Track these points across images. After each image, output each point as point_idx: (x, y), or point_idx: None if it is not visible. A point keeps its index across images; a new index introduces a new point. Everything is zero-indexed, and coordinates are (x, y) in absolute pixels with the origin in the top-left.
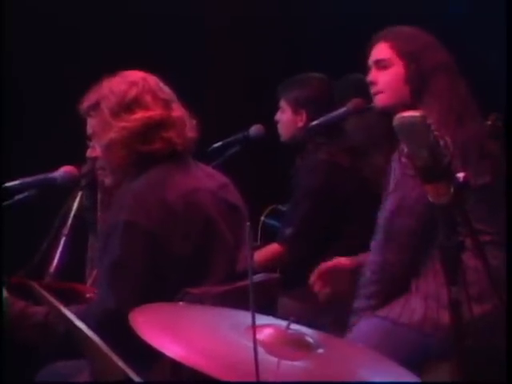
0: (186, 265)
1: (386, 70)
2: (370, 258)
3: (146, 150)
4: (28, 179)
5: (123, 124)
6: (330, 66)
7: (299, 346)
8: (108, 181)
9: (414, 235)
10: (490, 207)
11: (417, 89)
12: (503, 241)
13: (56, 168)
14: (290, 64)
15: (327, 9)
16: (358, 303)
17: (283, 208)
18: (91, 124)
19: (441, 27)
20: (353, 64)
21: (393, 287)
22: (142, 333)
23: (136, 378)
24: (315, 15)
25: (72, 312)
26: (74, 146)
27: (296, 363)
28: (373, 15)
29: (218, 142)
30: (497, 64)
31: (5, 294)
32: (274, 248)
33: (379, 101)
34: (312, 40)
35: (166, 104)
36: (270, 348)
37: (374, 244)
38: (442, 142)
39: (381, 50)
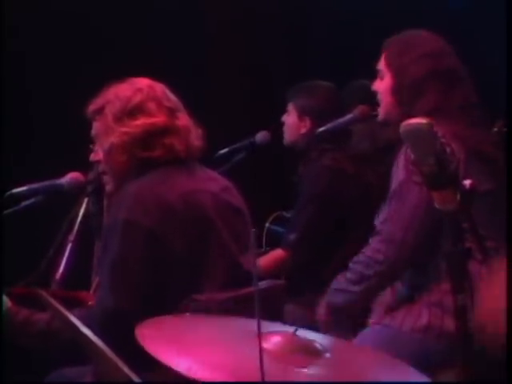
0: (184, 263)
1: (381, 81)
2: (367, 247)
3: (147, 156)
4: (35, 185)
5: (124, 129)
6: (331, 62)
7: (307, 352)
8: (109, 186)
9: (415, 242)
10: (493, 213)
11: (402, 103)
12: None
13: (62, 174)
14: (293, 63)
15: (328, 3)
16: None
17: (288, 214)
18: (95, 127)
19: (440, 22)
20: (354, 61)
21: (381, 282)
22: (148, 347)
23: (139, 381)
24: (316, 10)
25: (74, 315)
26: (80, 152)
27: (305, 370)
28: (373, 10)
29: (223, 148)
30: (499, 65)
31: (9, 304)
32: (277, 253)
33: (379, 112)
34: (313, 36)
35: (171, 112)
36: (278, 356)
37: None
38: (448, 149)
39: (380, 60)
